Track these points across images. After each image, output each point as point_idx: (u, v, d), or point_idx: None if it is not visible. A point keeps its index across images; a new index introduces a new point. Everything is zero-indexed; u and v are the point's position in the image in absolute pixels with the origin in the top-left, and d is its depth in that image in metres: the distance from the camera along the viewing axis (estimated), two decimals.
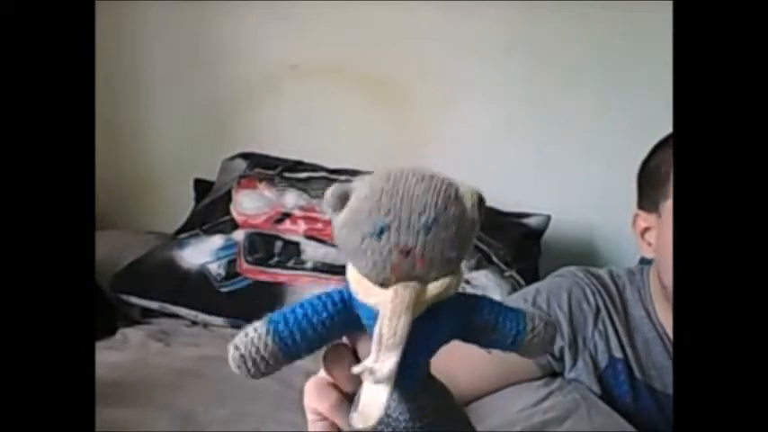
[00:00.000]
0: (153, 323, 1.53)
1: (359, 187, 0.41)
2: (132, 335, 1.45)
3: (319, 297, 0.42)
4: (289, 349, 0.41)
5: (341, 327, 0.42)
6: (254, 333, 0.41)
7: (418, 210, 0.39)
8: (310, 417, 0.48)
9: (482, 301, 0.44)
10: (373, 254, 0.39)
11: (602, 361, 1.00)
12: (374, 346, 0.39)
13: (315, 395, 0.45)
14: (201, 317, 1.54)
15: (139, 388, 1.21)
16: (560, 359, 1.00)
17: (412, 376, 0.42)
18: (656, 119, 1.02)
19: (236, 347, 0.40)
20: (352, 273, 0.41)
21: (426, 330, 0.40)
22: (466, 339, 0.44)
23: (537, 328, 0.44)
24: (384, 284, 0.40)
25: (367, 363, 0.39)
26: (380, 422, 0.41)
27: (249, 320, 1.45)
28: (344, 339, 0.45)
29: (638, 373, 0.99)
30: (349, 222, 0.40)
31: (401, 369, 0.39)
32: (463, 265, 1.58)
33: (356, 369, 0.40)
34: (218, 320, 1.53)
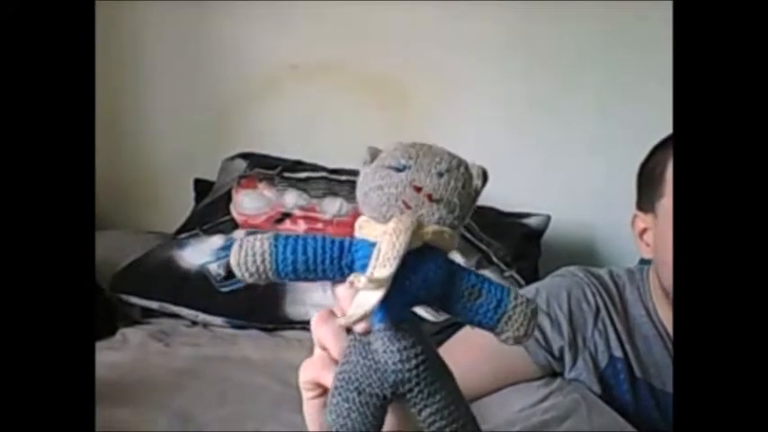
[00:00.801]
0: (153, 323, 1.53)
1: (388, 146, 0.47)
2: (132, 335, 1.45)
3: (324, 236, 0.46)
4: (277, 262, 0.44)
5: (331, 267, 0.45)
6: (261, 237, 0.45)
7: (436, 159, 0.45)
8: (306, 394, 0.48)
9: (469, 269, 0.47)
10: (390, 186, 0.44)
11: (602, 360, 1.00)
12: (372, 261, 0.42)
13: (321, 324, 0.48)
14: (201, 317, 1.53)
15: (139, 388, 1.21)
16: (560, 359, 1.00)
17: (398, 311, 0.44)
18: (655, 119, 1.02)
19: (241, 243, 0.45)
20: (360, 221, 0.46)
21: (417, 267, 0.44)
22: (450, 303, 0.45)
23: (520, 298, 0.45)
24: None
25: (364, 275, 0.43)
26: (369, 367, 0.44)
27: (249, 320, 1.45)
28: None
29: (638, 372, 1.00)
30: (376, 164, 0.46)
31: (390, 303, 0.42)
32: (462, 263, 1.58)
33: (351, 277, 0.43)
34: (218, 320, 1.53)
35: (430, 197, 0.44)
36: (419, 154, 0.46)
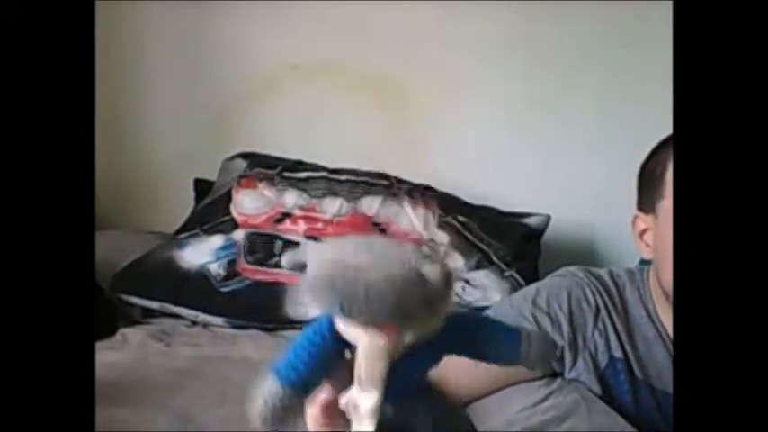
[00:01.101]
0: (153, 323, 1.53)
1: (310, 263, 0.42)
2: (132, 335, 1.45)
3: (313, 330, 0.43)
4: (306, 388, 0.43)
5: (339, 348, 0.43)
6: (271, 392, 0.43)
7: (376, 300, 0.39)
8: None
9: (474, 322, 0.45)
10: (344, 320, 0.41)
11: (602, 360, 1.00)
12: (355, 384, 0.40)
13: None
14: (202, 317, 1.54)
15: (139, 388, 1.21)
16: (560, 359, 1.00)
17: (406, 392, 0.42)
18: (656, 119, 1.02)
19: (261, 413, 0.43)
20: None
21: (410, 362, 0.41)
22: (469, 355, 0.45)
23: (533, 343, 0.45)
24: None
25: (352, 394, 0.41)
26: None
27: (249, 320, 1.45)
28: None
29: (638, 373, 0.99)
30: (308, 296, 0.42)
31: (396, 384, 0.40)
32: (463, 264, 1.56)
33: (342, 402, 0.41)
34: (218, 320, 1.53)
35: (389, 327, 0.40)
36: (353, 293, 0.40)
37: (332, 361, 0.43)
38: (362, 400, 0.39)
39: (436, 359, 0.43)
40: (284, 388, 0.43)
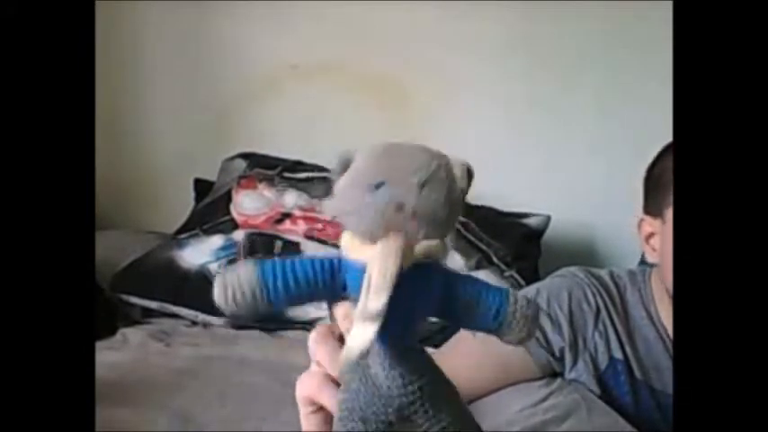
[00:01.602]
0: (153, 323, 1.54)
1: (360, 153, 0.44)
2: (132, 335, 1.45)
3: (311, 259, 0.44)
4: (269, 292, 0.42)
5: (324, 290, 0.43)
6: (244, 269, 0.43)
7: (413, 168, 0.41)
8: (304, 410, 0.48)
9: (465, 276, 0.45)
10: (369, 209, 0.41)
11: (603, 361, 1.00)
12: (363, 291, 0.40)
13: (317, 344, 0.47)
14: (201, 317, 1.54)
15: (139, 388, 1.21)
16: (560, 359, 1.00)
17: (397, 334, 0.42)
18: (655, 119, 1.02)
19: (223, 279, 0.43)
20: (345, 237, 0.43)
21: (412, 287, 0.41)
22: (449, 315, 0.45)
23: (520, 301, 0.44)
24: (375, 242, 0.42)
25: (357, 306, 0.41)
26: (372, 394, 0.42)
27: (249, 320, 1.44)
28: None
29: (638, 374, 0.99)
30: (349, 181, 0.43)
31: (388, 327, 0.40)
32: (463, 264, 1.56)
33: (340, 313, 0.42)
34: (218, 320, 1.53)
35: (414, 214, 0.41)
36: (394, 163, 0.42)
37: (314, 296, 0.43)
38: (370, 302, 0.39)
39: (423, 303, 0.43)
40: (260, 282, 0.42)
